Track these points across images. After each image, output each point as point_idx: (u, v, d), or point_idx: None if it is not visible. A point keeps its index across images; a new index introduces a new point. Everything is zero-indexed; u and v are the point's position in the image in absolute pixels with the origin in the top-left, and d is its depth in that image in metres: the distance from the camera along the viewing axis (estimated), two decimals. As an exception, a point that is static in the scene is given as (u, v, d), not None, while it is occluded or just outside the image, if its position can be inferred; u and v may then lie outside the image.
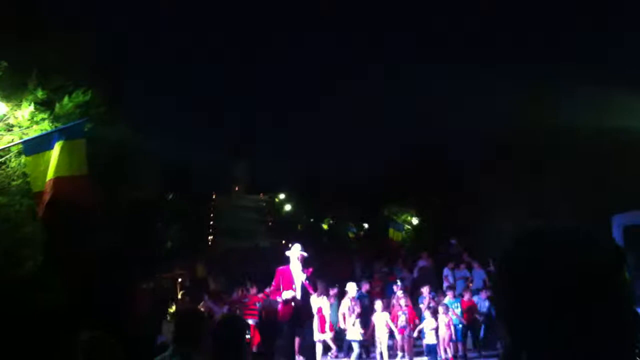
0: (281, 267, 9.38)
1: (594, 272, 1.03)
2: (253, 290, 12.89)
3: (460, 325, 12.09)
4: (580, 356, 1.02)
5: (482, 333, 12.91)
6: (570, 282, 1.03)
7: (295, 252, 9.36)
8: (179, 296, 14.66)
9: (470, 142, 25.85)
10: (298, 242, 9.99)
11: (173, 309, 14.25)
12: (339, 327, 12.00)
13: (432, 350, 11.51)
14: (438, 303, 12.64)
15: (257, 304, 12.28)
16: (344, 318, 11.70)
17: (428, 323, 11.53)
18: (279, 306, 9.35)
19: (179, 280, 17.77)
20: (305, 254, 9.42)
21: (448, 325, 11.81)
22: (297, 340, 9.83)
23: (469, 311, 12.55)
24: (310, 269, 9.50)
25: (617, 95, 14.49)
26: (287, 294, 8.99)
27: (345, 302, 11.84)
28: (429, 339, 11.49)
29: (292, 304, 9.04)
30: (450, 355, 11.64)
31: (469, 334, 12.59)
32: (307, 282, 9.22)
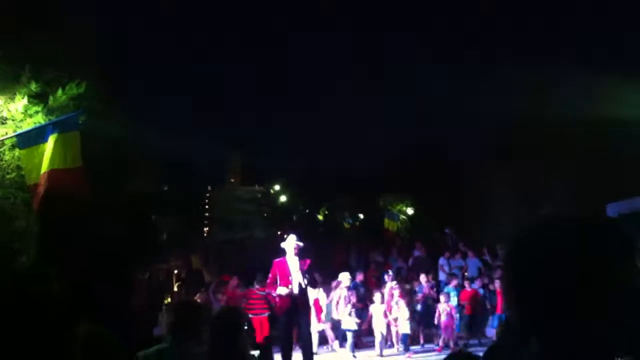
0: (277, 259, 9.35)
1: (606, 257, 1.05)
2: (233, 282, 12.79)
3: (458, 315, 12.20)
4: (593, 340, 1.03)
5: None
6: (583, 267, 1.04)
7: (290, 243, 9.31)
8: (175, 288, 14.71)
9: (468, 135, 25.98)
10: (293, 232, 9.95)
11: (169, 300, 14.29)
12: (332, 317, 12.04)
13: (404, 339, 11.55)
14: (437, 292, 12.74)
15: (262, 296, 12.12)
16: (337, 307, 11.74)
17: (402, 313, 11.55)
18: (277, 298, 9.33)
19: (175, 271, 17.81)
20: (301, 244, 9.38)
21: (449, 314, 11.90)
22: (294, 330, 9.84)
23: (473, 299, 12.64)
24: (308, 261, 9.44)
25: (612, 86, 14.54)
26: (281, 290, 8.96)
27: (338, 292, 11.86)
28: (403, 328, 11.52)
29: (290, 295, 9.02)
30: (451, 343, 11.71)
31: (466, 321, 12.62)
32: (306, 276, 9.19)
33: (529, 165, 18.89)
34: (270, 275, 9.34)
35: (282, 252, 9.42)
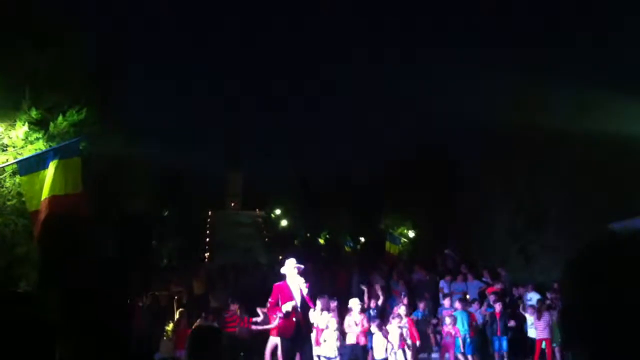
0: (278, 283, 9.35)
1: None
2: (234, 307, 12.83)
3: (468, 339, 12.03)
4: None
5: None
6: None
7: (290, 267, 9.33)
8: (177, 314, 14.60)
9: (469, 146, 25.94)
10: (292, 256, 9.95)
11: (170, 326, 14.19)
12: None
13: None
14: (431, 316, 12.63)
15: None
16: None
17: (377, 339, 11.40)
18: (279, 321, 9.28)
19: (176, 297, 17.71)
20: (301, 267, 9.40)
21: (453, 337, 11.81)
22: (297, 356, 9.77)
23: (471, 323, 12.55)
24: (308, 283, 9.44)
25: (617, 101, 14.68)
26: (287, 306, 8.95)
27: (350, 318, 11.68)
28: (378, 353, 11.35)
29: (294, 319, 8.99)
30: None
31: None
32: (307, 296, 9.19)
33: (528, 172, 18.95)
34: (271, 299, 9.32)
35: (282, 277, 9.42)
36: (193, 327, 11.26)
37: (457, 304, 12.80)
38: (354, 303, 11.89)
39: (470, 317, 12.56)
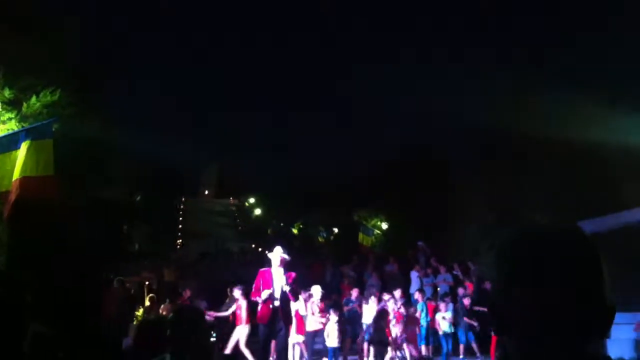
0: (263, 269, 9.44)
1: (588, 267, 1.05)
2: (186, 294, 13.04)
3: (424, 329, 12.42)
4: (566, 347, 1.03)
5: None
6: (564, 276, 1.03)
7: (276, 255, 9.41)
8: (147, 300, 14.54)
9: (447, 146, 26.04)
10: (267, 245, 10.02)
11: (140, 312, 14.13)
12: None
13: (332, 352, 11.53)
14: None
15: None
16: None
17: (330, 326, 11.54)
18: (259, 307, 9.35)
19: (147, 283, 17.62)
20: (287, 257, 9.47)
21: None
22: (272, 342, 9.85)
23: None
24: (293, 274, 9.54)
25: (593, 108, 15.02)
26: (265, 293, 9.04)
27: (310, 306, 11.78)
28: (330, 341, 11.49)
29: (271, 306, 9.08)
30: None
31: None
32: (289, 288, 9.27)
33: (507, 179, 19.29)
34: (254, 284, 9.39)
35: (268, 263, 9.49)
36: (171, 309, 11.24)
37: (417, 295, 13.07)
38: (316, 290, 11.97)
39: (429, 308, 12.87)
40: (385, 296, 12.48)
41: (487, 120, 20.25)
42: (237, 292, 11.28)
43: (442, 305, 12.71)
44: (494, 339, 12.02)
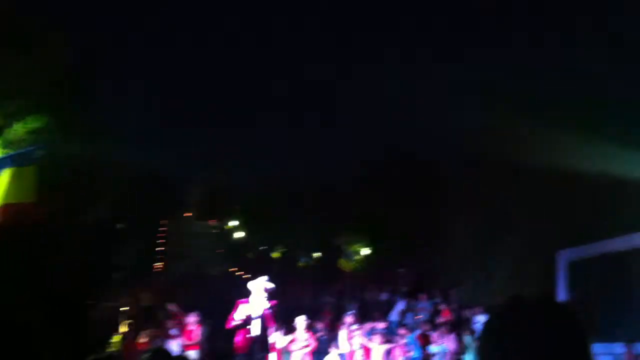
0: (242, 300, 9.33)
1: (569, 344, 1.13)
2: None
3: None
4: None
5: None
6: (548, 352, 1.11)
7: (260, 286, 9.32)
8: (124, 326, 14.31)
9: (434, 163, 25.98)
10: (247, 269, 9.99)
11: (116, 338, 13.89)
12: None
13: None
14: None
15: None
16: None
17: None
18: (235, 336, 9.27)
19: (122, 309, 17.29)
20: (272, 286, 9.41)
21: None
22: None
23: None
24: (275, 302, 9.47)
25: (572, 136, 15.19)
26: (239, 314, 8.93)
27: (297, 337, 11.62)
28: None
29: (248, 335, 8.99)
30: None
31: None
32: (270, 314, 9.19)
33: (478, 201, 19.36)
34: (230, 314, 9.30)
35: (248, 293, 9.37)
36: (151, 337, 11.04)
37: (403, 331, 12.97)
38: (300, 321, 11.78)
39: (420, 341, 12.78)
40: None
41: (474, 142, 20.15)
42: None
43: (434, 336, 12.64)
44: None
